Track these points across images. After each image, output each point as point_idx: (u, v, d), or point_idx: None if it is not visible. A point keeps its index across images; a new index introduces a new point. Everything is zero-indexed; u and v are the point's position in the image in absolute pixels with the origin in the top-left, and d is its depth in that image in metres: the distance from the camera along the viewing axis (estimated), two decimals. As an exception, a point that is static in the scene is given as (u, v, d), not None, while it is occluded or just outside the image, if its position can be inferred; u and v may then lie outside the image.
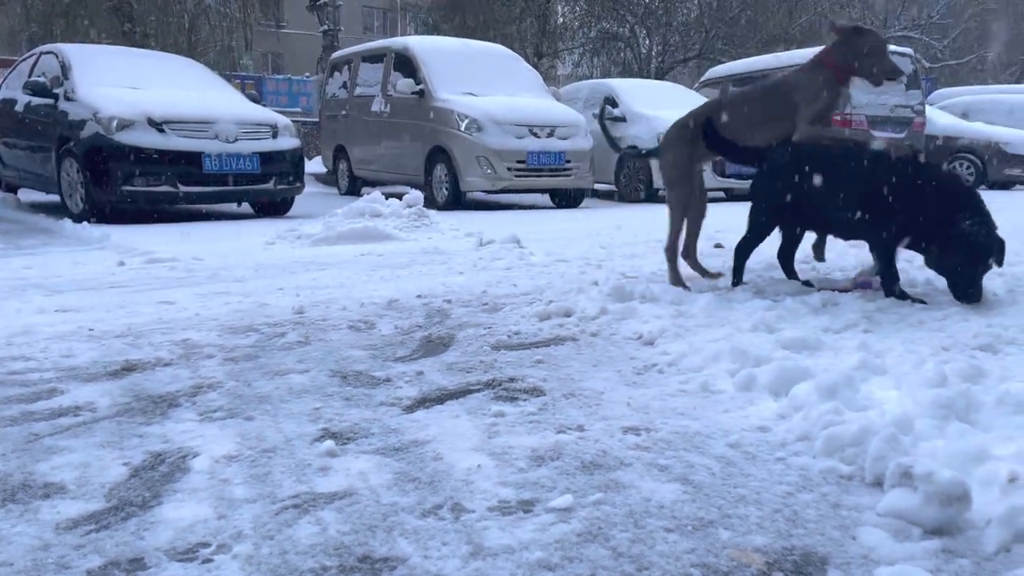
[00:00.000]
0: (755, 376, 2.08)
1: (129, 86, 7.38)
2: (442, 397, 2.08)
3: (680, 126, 3.71)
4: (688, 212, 3.62)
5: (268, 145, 7.48)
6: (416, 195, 6.85)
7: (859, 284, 3.34)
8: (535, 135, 8.71)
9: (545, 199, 9.93)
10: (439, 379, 2.24)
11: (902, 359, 2.19)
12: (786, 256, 3.45)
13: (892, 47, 3.54)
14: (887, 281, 3.02)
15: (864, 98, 11.56)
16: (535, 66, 20.94)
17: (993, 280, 3.27)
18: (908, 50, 13.06)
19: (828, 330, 2.68)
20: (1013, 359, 2.22)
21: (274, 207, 8.06)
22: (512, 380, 2.22)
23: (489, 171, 8.49)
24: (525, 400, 2.05)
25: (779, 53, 14.32)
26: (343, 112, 10.97)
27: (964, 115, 13.41)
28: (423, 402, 2.04)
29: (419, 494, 1.50)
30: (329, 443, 1.72)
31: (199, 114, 7.14)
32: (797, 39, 21.44)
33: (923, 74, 16.79)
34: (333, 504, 1.45)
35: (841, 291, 3.24)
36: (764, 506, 1.43)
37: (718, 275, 3.69)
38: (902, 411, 1.67)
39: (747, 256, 3.45)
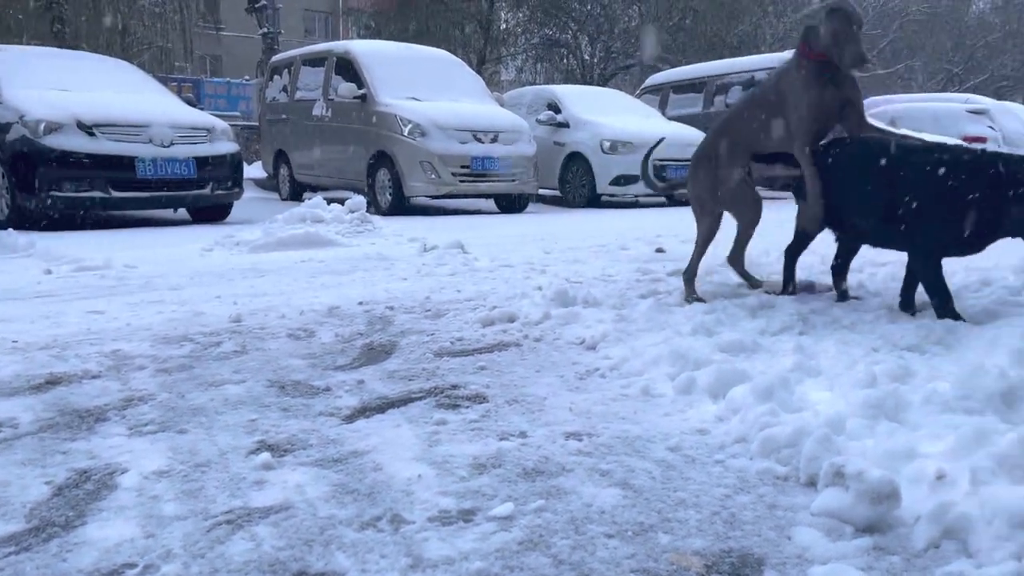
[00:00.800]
0: (694, 379, 2.10)
1: (58, 88, 7.13)
2: (383, 406, 2.05)
3: (697, 159, 3.51)
4: (740, 219, 3.42)
5: (205, 149, 7.30)
6: (359, 200, 6.77)
7: (803, 287, 3.42)
8: (479, 140, 8.71)
9: (490, 204, 9.93)
10: (380, 388, 2.21)
11: (836, 360, 2.24)
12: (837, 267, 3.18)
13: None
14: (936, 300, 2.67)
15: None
16: (478, 72, 20.97)
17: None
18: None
19: (765, 332, 2.73)
20: (940, 359, 2.29)
21: (212, 213, 7.88)
22: (455, 387, 2.20)
23: (433, 176, 8.46)
24: (467, 407, 2.03)
25: (718, 61, 14.64)
26: (283, 116, 10.80)
27: (892, 123, 13.84)
28: (363, 411, 2.00)
29: (358, 506, 1.47)
30: (265, 456, 1.68)
31: (132, 117, 6.94)
32: (734, 46, 21.95)
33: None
34: (268, 519, 1.41)
35: (779, 294, 3.31)
36: (703, 509, 1.44)
37: (762, 282, 3.51)
38: (835, 412, 1.71)
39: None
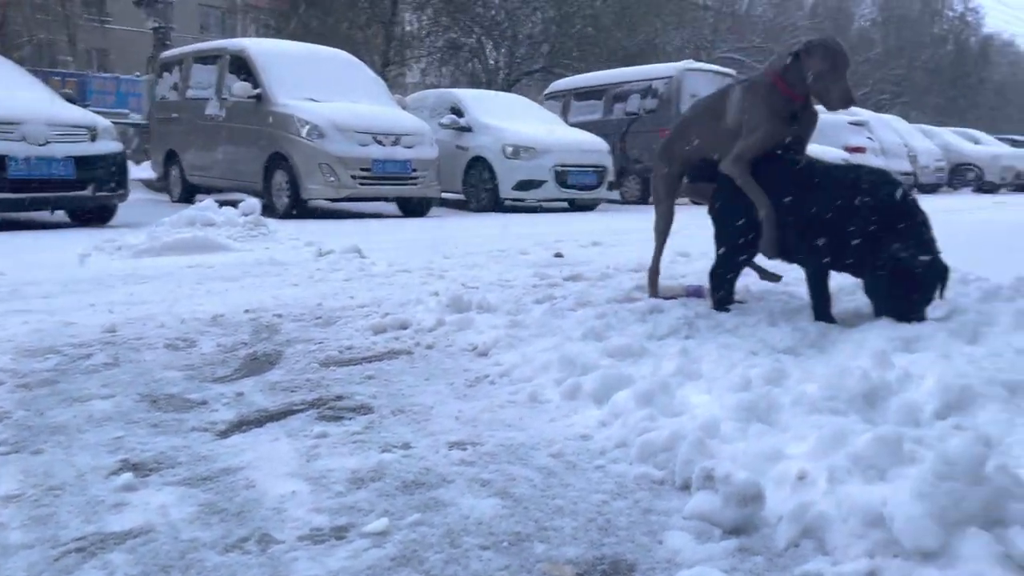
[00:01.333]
0: (580, 385, 2.12)
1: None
2: (261, 419, 1.97)
3: (662, 146, 3.45)
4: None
5: (85, 149, 6.91)
6: (253, 203, 6.57)
7: (691, 292, 3.51)
8: (380, 143, 8.59)
9: (392, 208, 9.82)
10: (260, 400, 2.13)
11: (716, 364, 2.30)
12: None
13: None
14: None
15: (694, 114, 12.27)
16: (382, 74, 20.72)
17: (801, 287, 3.54)
18: (732, 71, 14.02)
19: (652, 337, 2.79)
20: (814, 361, 2.40)
21: (94, 215, 7.46)
22: (339, 398, 2.14)
23: (332, 179, 8.29)
24: (351, 419, 1.98)
25: (620, 69, 14.98)
26: (175, 115, 10.36)
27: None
28: (240, 426, 1.92)
29: (224, 527, 1.40)
30: (127, 476, 1.58)
31: (2, 114, 6.49)
32: (635, 54, 22.51)
33: (747, 93, 18.05)
34: (125, 544, 1.33)
35: (671, 298, 3.39)
36: (580, 516, 1.45)
37: (779, 277, 3.41)
38: (710, 415, 1.75)
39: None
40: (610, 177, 10.98)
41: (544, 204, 11.48)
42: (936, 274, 2.57)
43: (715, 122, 3.16)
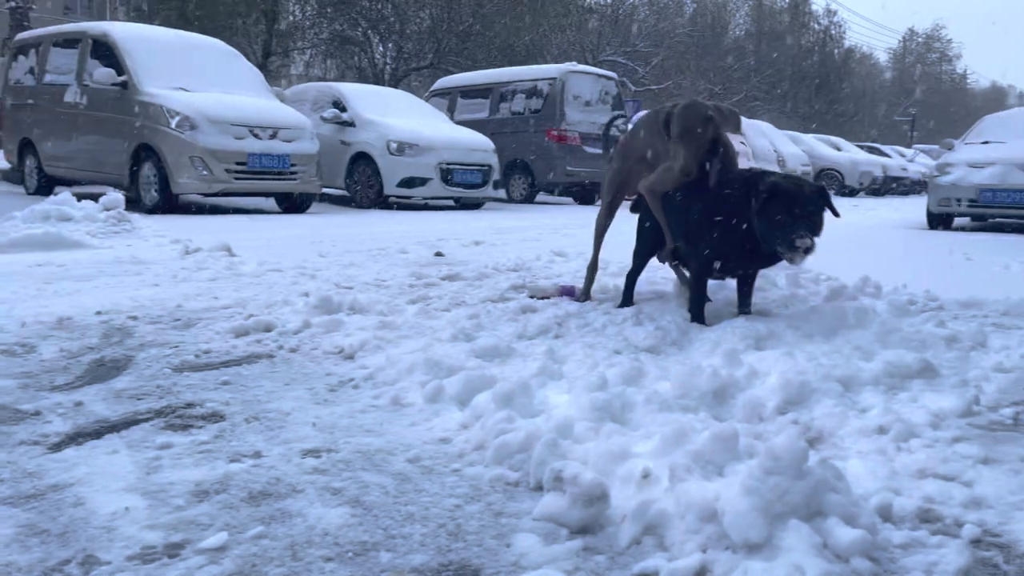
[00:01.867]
0: (443, 387, 2.10)
1: None
2: (100, 430, 1.85)
3: (619, 145, 3.53)
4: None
5: (-78, 136, 6.32)
6: (115, 197, 6.20)
7: (564, 291, 3.56)
8: (256, 136, 8.29)
9: (271, 204, 9.51)
10: (101, 409, 2.00)
11: (579, 364, 2.35)
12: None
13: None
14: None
15: (577, 116, 12.54)
16: (263, 65, 20.07)
17: (669, 286, 3.66)
18: (613, 74, 14.38)
19: (522, 337, 2.81)
20: (672, 359, 2.48)
21: (-66, 208, 6.84)
22: (189, 406, 2.04)
23: (205, 173, 7.93)
24: (200, 428, 1.89)
25: (504, 68, 15.08)
26: (30, 101, 9.65)
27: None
28: (75, 438, 1.80)
29: (44, 549, 1.30)
30: (-63, 498, 1.45)
31: None
32: (522, 54, 22.74)
33: (628, 96, 18.62)
34: (-75, 575, 1.21)
35: (543, 298, 3.43)
36: (430, 522, 1.43)
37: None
38: (565, 415, 1.77)
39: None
40: (496, 176, 11.03)
41: (430, 202, 11.42)
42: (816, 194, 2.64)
43: (658, 137, 3.22)
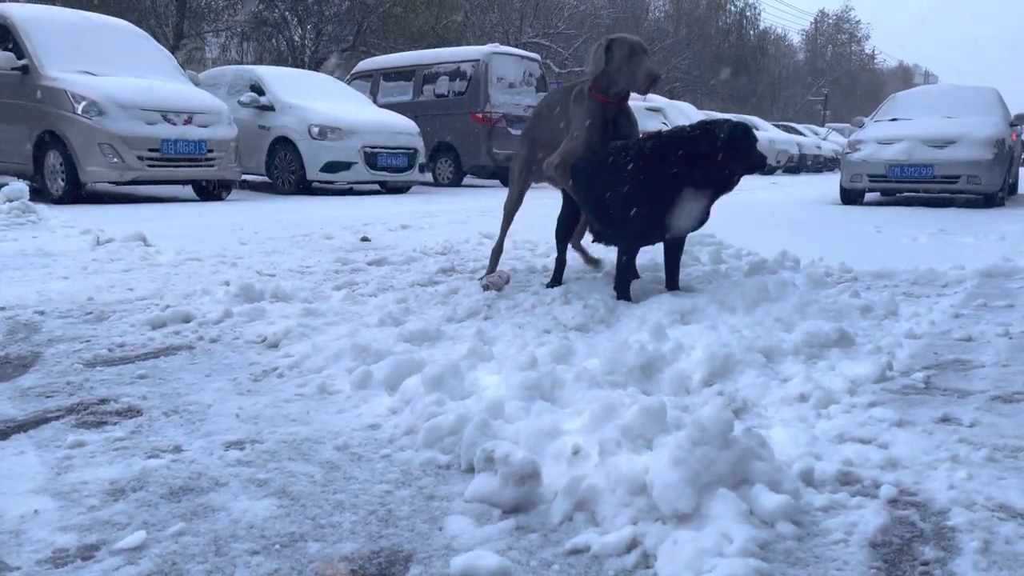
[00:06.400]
0: (371, 373, 2.07)
1: None
2: (6, 431, 1.75)
3: (523, 130, 3.62)
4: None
5: None
6: (19, 187, 5.91)
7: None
8: (170, 121, 7.97)
9: (188, 191, 9.18)
10: (6, 408, 1.89)
11: (509, 344, 2.34)
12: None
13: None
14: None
15: (501, 98, 12.51)
16: (175, 48, 19.30)
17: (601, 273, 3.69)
18: (536, 56, 14.39)
19: (451, 320, 2.79)
20: (602, 336, 2.50)
21: None
22: (103, 401, 1.95)
23: (115, 160, 7.59)
24: (115, 424, 1.81)
25: (427, 51, 14.90)
26: (-81, 86, 9.02)
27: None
28: (-23, 440, 1.69)
29: (-56, 560, 1.22)
30: None
31: None
32: (444, 36, 22.51)
33: (551, 78, 18.66)
34: None
35: (500, 288, 3.38)
36: (360, 509, 1.40)
37: (599, 261, 3.63)
38: (495, 396, 1.76)
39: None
40: (422, 159, 10.91)
41: (355, 187, 11.22)
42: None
43: (560, 119, 3.32)
